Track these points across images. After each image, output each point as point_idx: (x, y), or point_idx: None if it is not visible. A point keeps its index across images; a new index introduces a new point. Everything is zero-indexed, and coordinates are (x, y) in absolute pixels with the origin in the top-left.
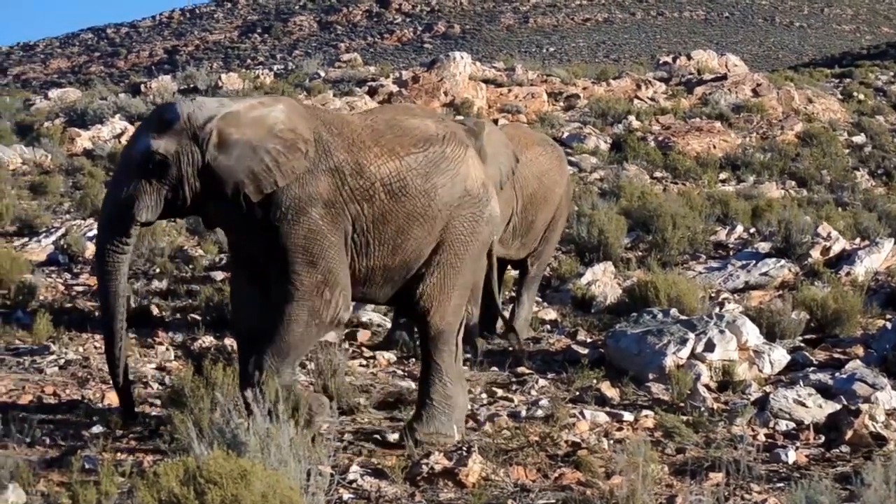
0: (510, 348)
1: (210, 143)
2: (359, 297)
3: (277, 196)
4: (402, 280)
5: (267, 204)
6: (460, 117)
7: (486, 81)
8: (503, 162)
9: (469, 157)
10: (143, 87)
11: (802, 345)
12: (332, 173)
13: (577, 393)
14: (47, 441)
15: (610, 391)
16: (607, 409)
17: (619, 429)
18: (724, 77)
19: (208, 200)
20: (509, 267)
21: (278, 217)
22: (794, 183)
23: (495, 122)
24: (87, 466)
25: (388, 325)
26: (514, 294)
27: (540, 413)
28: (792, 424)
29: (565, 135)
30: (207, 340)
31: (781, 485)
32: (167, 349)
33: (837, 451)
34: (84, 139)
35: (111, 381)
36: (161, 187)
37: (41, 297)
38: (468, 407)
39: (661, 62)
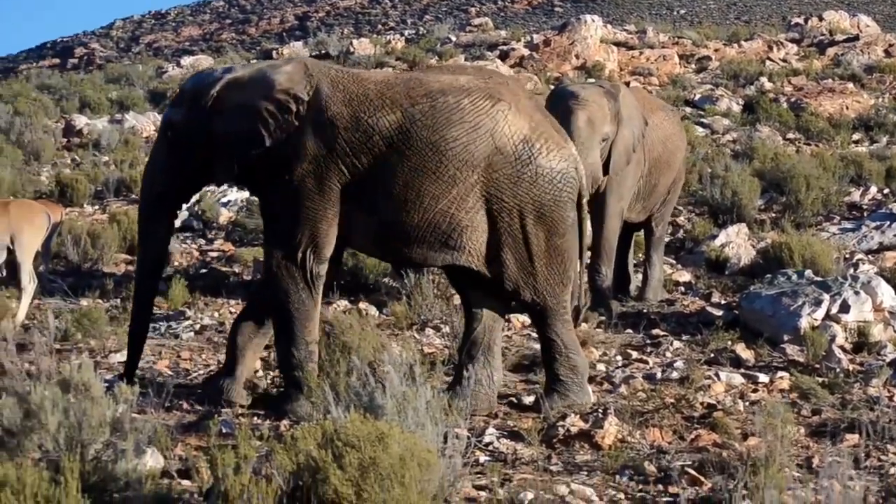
0: (644, 310)
1: (212, 109)
2: (391, 258)
3: (268, 155)
4: (443, 243)
5: (260, 163)
6: (592, 80)
7: (617, 44)
8: (636, 125)
9: (499, 111)
10: (274, 53)
11: None
12: (324, 127)
13: (712, 355)
14: (184, 406)
15: (745, 353)
16: (742, 370)
17: (755, 390)
18: (856, 38)
19: (217, 165)
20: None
21: (266, 175)
22: None
23: (627, 84)
24: (224, 430)
25: None
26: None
27: (675, 375)
28: None
29: (697, 97)
30: (342, 304)
31: None
32: None
33: None
34: None
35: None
36: (179, 155)
37: (176, 263)
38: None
39: (792, 23)
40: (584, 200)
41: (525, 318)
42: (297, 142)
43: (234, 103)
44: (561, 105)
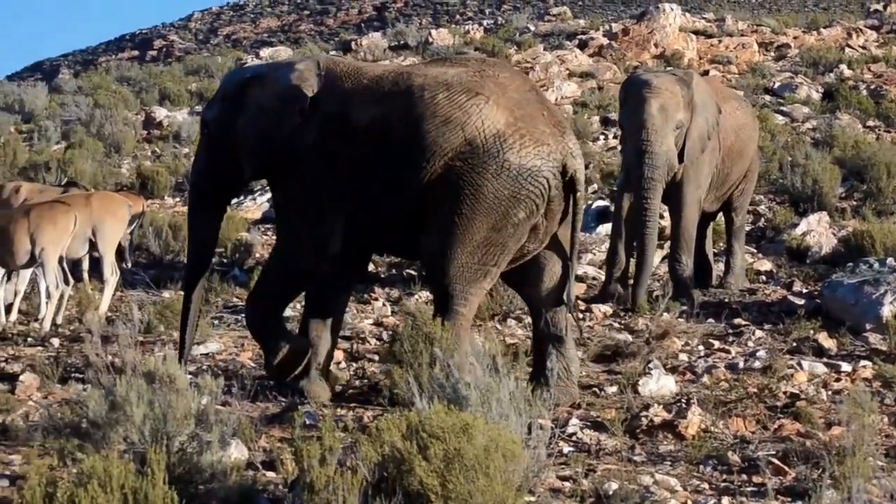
0: (726, 299)
1: (236, 107)
2: (380, 248)
3: (281, 151)
4: (407, 232)
5: (275, 159)
6: (670, 68)
7: (696, 33)
8: (710, 113)
9: (474, 105)
10: (353, 44)
11: None
12: (322, 123)
13: (794, 344)
14: (268, 397)
15: (827, 342)
16: (825, 359)
17: (837, 380)
18: None
19: (243, 162)
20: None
21: (279, 170)
22: None
23: (706, 73)
24: (307, 422)
25: (603, 278)
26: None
27: (757, 364)
28: None
29: (776, 85)
30: (424, 296)
31: None
32: (383, 305)
33: None
34: None
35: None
36: (214, 152)
37: (257, 255)
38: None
39: (871, 10)
40: (580, 195)
41: (606, 308)
42: (303, 138)
43: (252, 101)
44: (633, 93)
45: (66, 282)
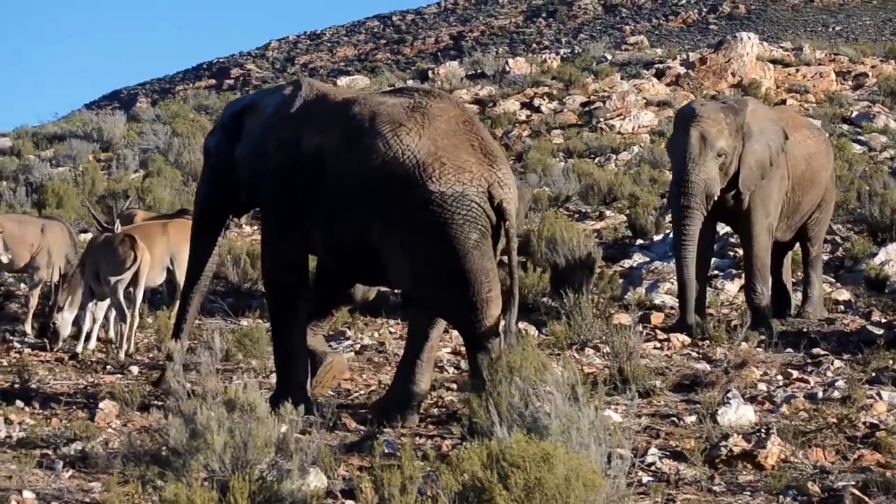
0: (804, 329)
1: (234, 135)
2: (346, 277)
3: (266, 174)
4: (370, 264)
5: (262, 183)
6: (727, 95)
7: (774, 62)
8: (772, 139)
9: (396, 135)
10: (430, 73)
11: None
12: (282, 149)
13: (874, 374)
14: (347, 426)
15: None
16: None
17: None
18: None
19: (242, 187)
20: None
21: (262, 192)
22: None
23: (783, 102)
24: (387, 451)
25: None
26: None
27: (836, 394)
28: None
29: (854, 114)
30: (501, 325)
31: None
32: None
33: None
34: None
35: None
36: (215, 179)
37: None
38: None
39: None
40: (509, 224)
41: (683, 338)
42: (281, 161)
43: (246, 129)
44: (678, 122)
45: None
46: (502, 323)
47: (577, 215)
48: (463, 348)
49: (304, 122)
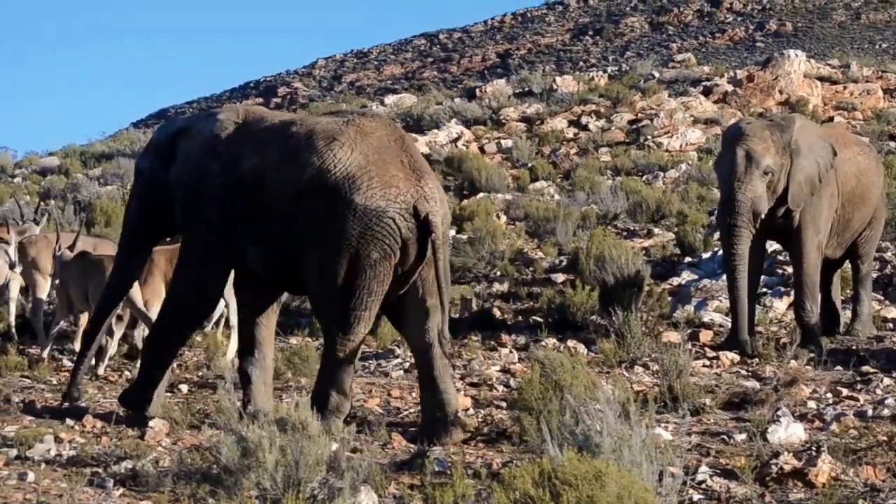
0: (853, 347)
1: (167, 158)
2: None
3: (202, 194)
4: (296, 275)
5: (201, 202)
6: (774, 112)
7: (821, 79)
8: (821, 155)
9: (329, 149)
10: (477, 91)
11: None
12: (223, 171)
13: None
14: (396, 444)
15: None
16: None
17: None
18: None
19: (176, 208)
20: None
21: (195, 216)
22: None
23: (830, 119)
24: (437, 469)
25: (729, 326)
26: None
27: (886, 412)
28: None
29: None
30: (551, 342)
31: None
32: (510, 351)
33: None
34: (421, 144)
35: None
36: (146, 199)
37: None
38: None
39: None
40: (435, 236)
41: (734, 356)
42: (221, 182)
43: (181, 152)
44: (724, 141)
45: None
46: (435, 331)
47: (625, 233)
48: (512, 366)
49: (242, 143)
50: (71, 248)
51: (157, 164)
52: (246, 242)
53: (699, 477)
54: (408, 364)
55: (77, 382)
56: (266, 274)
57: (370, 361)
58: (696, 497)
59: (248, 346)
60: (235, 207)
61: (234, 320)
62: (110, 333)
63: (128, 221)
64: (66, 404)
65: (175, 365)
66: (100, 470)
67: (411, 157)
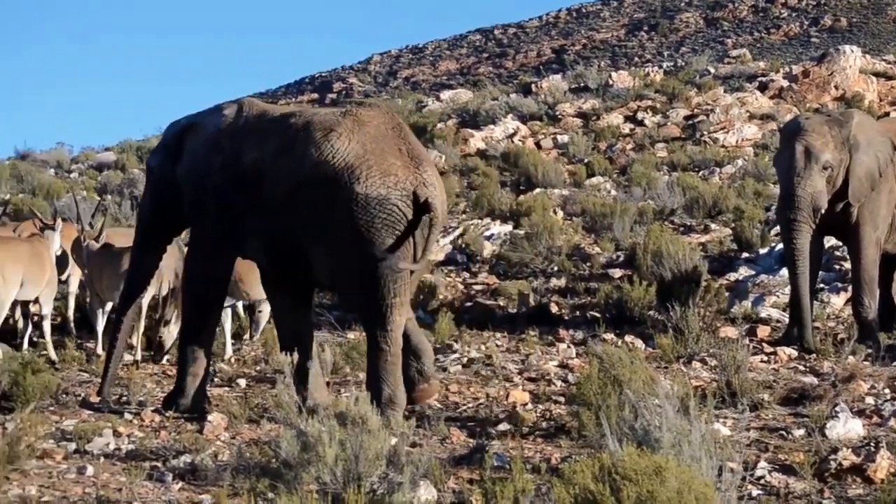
0: None
1: (175, 154)
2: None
3: (209, 189)
4: (300, 263)
5: (207, 198)
6: (830, 108)
7: (877, 74)
8: (880, 150)
9: (327, 140)
10: (533, 86)
11: None
12: (225, 165)
13: None
14: (455, 438)
15: None
16: None
17: None
18: None
19: (185, 204)
20: None
21: (203, 210)
22: None
23: (886, 114)
24: (496, 463)
25: (787, 321)
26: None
27: None
28: None
29: None
30: (608, 337)
31: None
32: (568, 346)
33: None
34: (477, 139)
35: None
36: (157, 196)
37: (441, 297)
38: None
39: None
40: (433, 215)
41: (791, 351)
42: (224, 177)
43: (188, 149)
44: (783, 137)
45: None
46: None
47: (681, 228)
48: (570, 361)
49: (244, 138)
50: (97, 238)
51: (166, 161)
52: (249, 236)
53: (758, 472)
54: (465, 359)
55: (109, 379)
56: (269, 267)
57: None
58: (755, 492)
59: (303, 342)
60: (238, 201)
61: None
62: (167, 325)
63: (141, 219)
64: (100, 400)
65: (233, 359)
66: (159, 464)
67: (409, 144)
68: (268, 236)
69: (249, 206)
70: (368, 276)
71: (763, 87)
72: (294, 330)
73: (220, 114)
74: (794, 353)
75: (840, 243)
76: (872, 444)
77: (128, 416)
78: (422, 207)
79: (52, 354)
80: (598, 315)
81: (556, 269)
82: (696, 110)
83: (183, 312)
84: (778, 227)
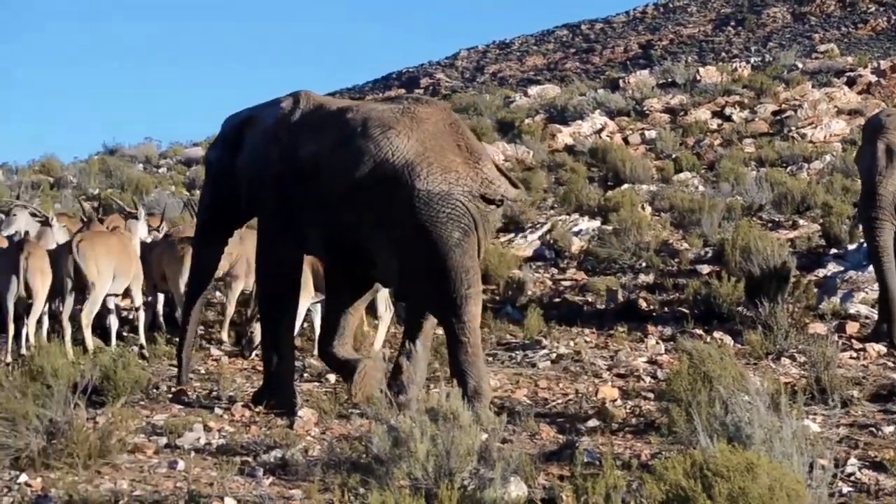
0: None
1: (234, 147)
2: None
3: (266, 182)
4: (362, 260)
5: (263, 191)
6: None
7: None
8: None
9: (385, 138)
10: (621, 82)
11: None
12: (283, 157)
13: None
14: (545, 434)
15: None
16: None
17: None
18: None
19: (243, 197)
20: None
21: (262, 203)
22: None
23: None
24: (587, 459)
25: (876, 317)
26: None
27: None
28: None
29: None
30: (697, 334)
31: None
32: (656, 343)
33: None
34: (564, 135)
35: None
36: (216, 190)
37: (529, 292)
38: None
39: None
40: (490, 213)
41: (880, 347)
42: (281, 169)
43: (247, 141)
44: (865, 134)
45: None
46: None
47: (770, 224)
48: (659, 357)
49: (301, 131)
50: (159, 230)
51: (226, 154)
52: (308, 230)
53: (848, 469)
54: (554, 355)
55: (186, 368)
56: (328, 262)
57: (517, 352)
58: (845, 489)
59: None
60: (295, 194)
61: (381, 310)
62: (256, 321)
63: (201, 212)
64: (178, 390)
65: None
66: (249, 459)
67: (467, 140)
68: (326, 230)
69: (307, 200)
70: (437, 270)
71: (851, 83)
72: (343, 325)
73: (278, 106)
74: (884, 350)
75: None
76: None
77: (218, 411)
78: (481, 201)
79: (144, 342)
80: (686, 311)
81: (644, 264)
82: (783, 106)
83: (259, 307)
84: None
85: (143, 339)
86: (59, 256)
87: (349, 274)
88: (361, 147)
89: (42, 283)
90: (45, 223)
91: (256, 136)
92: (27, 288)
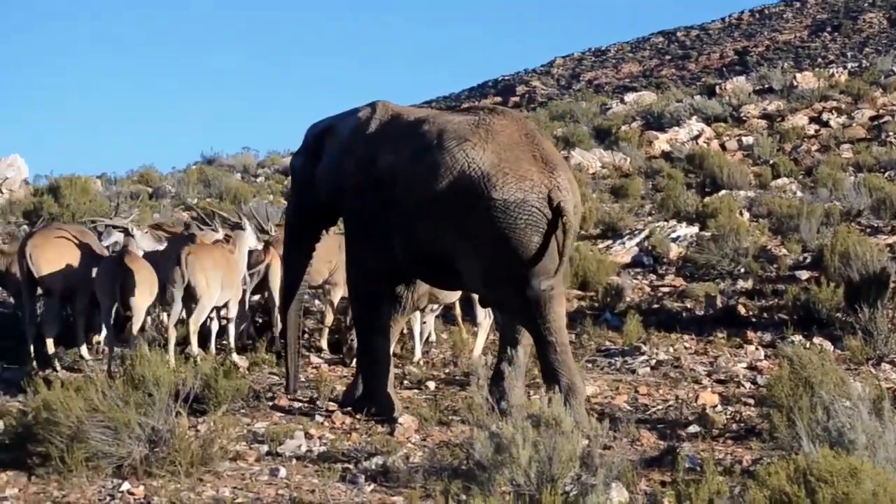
0: None
1: (316, 155)
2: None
3: (345, 192)
4: (444, 270)
5: (343, 200)
6: None
7: None
8: None
9: (461, 149)
10: (717, 88)
11: None
12: (360, 167)
13: None
14: (645, 440)
15: None
16: None
17: None
18: None
19: (326, 205)
20: None
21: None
22: None
23: None
24: (687, 465)
25: None
26: None
27: None
28: None
29: None
30: (797, 339)
31: None
32: (756, 348)
33: None
34: (661, 141)
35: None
36: (300, 197)
37: (628, 299)
38: None
39: None
40: (566, 219)
41: None
42: (359, 178)
43: (326, 150)
44: None
45: None
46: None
47: (868, 230)
48: (759, 363)
49: (378, 141)
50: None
51: (308, 162)
52: (390, 238)
53: None
54: (654, 361)
55: (293, 375)
56: (410, 268)
57: (616, 358)
58: None
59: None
60: (373, 203)
61: (480, 317)
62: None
63: (287, 220)
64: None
65: (422, 361)
66: (350, 466)
67: (543, 150)
68: (408, 239)
69: (384, 208)
70: (519, 275)
71: None
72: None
73: (355, 116)
74: None
75: None
76: None
77: (319, 418)
78: (555, 210)
79: (237, 360)
80: (785, 317)
81: (742, 270)
82: (881, 111)
83: (352, 315)
84: None
85: (233, 349)
86: (160, 264)
87: (430, 281)
88: (437, 159)
89: (142, 295)
90: (126, 233)
91: (335, 146)
92: (125, 298)
